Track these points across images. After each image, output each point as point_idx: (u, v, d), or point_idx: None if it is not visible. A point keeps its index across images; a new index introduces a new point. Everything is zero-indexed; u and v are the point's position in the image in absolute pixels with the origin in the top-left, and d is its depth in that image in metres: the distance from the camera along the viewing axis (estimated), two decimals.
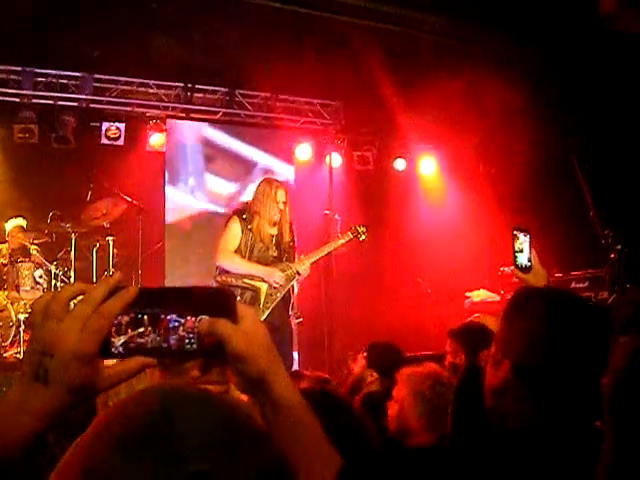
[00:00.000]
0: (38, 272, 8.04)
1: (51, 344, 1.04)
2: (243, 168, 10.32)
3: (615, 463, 1.38)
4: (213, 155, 10.27)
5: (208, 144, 10.28)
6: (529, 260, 3.02)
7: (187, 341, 1.08)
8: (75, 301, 1.09)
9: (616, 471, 1.38)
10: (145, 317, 1.07)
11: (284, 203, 6.47)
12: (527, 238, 3.08)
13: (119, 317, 1.06)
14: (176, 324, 1.08)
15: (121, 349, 1.07)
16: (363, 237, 7.14)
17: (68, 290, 1.09)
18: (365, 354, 5.03)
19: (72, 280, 8.13)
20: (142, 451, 0.82)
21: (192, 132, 10.25)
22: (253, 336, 1.13)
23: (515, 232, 3.06)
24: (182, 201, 10.10)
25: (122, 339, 1.07)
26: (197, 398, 0.90)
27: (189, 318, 1.09)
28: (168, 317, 1.08)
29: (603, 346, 1.72)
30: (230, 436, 0.86)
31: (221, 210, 9.85)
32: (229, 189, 10.26)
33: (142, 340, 1.07)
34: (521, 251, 3.05)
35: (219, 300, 1.12)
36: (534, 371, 1.80)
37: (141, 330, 1.07)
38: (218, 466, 0.83)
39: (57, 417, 1.06)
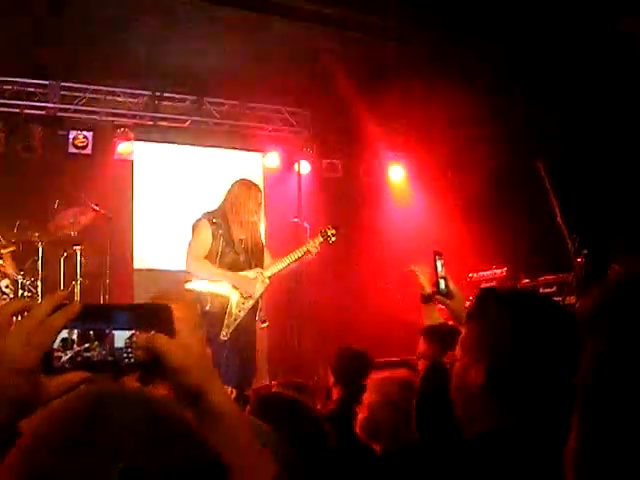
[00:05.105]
0: (4, 282, 7.92)
1: None
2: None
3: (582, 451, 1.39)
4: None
5: None
6: (446, 286, 2.96)
7: (126, 355, 1.13)
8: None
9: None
10: (91, 332, 1.12)
11: (259, 205, 6.37)
12: (442, 263, 2.99)
13: (67, 333, 1.10)
14: (118, 338, 1.13)
15: (67, 364, 1.10)
16: (333, 239, 6.80)
17: (13, 305, 1.11)
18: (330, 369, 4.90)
19: (39, 290, 8.05)
20: (77, 451, 0.84)
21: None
22: (189, 349, 1.16)
23: (436, 257, 2.99)
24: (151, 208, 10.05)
25: (69, 354, 1.10)
26: (129, 396, 0.93)
27: (129, 333, 1.13)
28: (112, 332, 1.12)
29: (573, 345, 1.72)
30: (162, 431, 0.89)
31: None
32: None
33: (88, 354, 1.11)
34: (442, 277, 2.97)
35: (157, 315, 1.16)
36: (509, 374, 1.78)
37: (87, 345, 1.11)
38: (150, 461, 0.85)
39: None
